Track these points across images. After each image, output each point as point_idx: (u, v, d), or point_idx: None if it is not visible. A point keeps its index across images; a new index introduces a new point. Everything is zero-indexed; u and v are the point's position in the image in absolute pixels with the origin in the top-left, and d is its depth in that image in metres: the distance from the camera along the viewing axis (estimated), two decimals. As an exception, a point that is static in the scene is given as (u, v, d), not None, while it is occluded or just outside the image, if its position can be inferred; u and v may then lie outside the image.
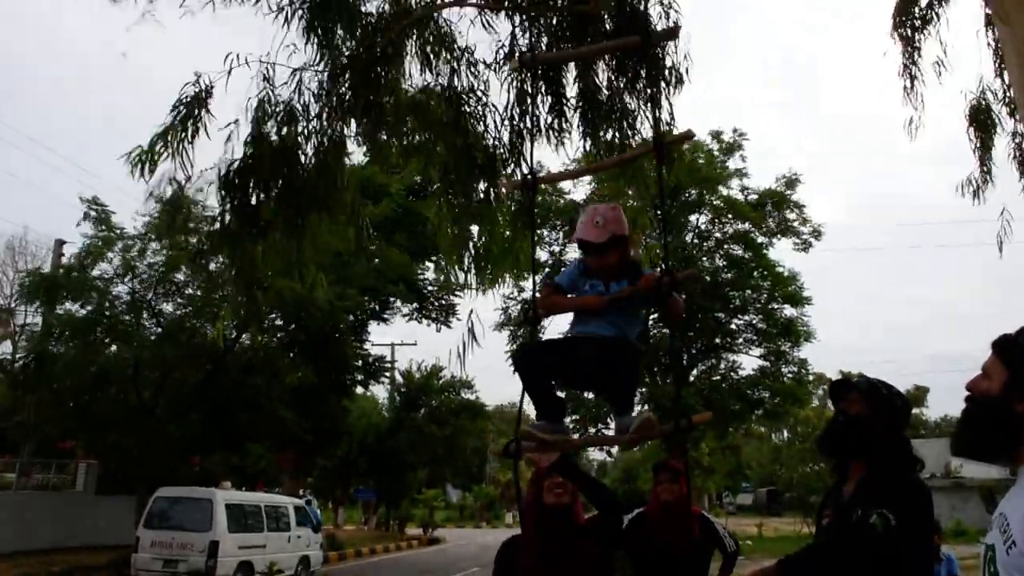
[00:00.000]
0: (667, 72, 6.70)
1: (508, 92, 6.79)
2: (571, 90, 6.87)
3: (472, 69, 6.92)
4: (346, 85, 6.47)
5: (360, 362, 25.84)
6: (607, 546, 3.12)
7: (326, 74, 6.51)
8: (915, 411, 54.95)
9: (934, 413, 62.58)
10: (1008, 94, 7.42)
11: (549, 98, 6.80)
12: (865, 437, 2.82)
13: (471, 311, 6.16)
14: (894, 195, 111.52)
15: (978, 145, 7.98)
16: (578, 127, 6.88)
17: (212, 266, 17.20)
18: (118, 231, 18.51)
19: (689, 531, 4.83)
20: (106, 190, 34.83)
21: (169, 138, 6.07)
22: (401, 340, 33.31)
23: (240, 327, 20.91)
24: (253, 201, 6.22)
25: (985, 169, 8.00)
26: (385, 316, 26.65)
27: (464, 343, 5.83)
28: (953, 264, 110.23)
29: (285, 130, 6.31)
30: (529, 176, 3.20)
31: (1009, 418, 1.95)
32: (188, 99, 6.18)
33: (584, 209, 3.41)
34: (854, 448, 2.86)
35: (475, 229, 7.85)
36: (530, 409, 3.11)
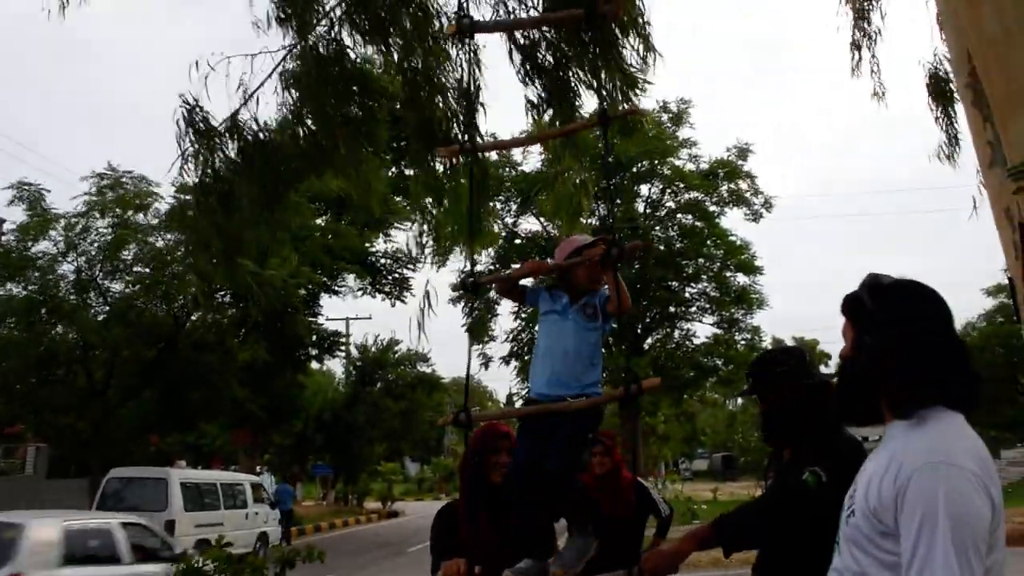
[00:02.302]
0: (632, 44, 6.64)
1: (459, 57, 6.71)
2: (519, 59, 6.75)
3: (426, 33, 6.78)
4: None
5: (314, 337, 25.61)
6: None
7: (288, 59, 6.61)
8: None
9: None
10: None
11: (497, 65, 6.75)
12: (805, 419, 2.86)
13: (427, 281, 6.19)
14: (857, 171, 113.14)
15: (940, 114, 8.02)
16: (528, 97, 6.76)
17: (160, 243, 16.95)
18: (52, 212, 18.05)
19: (624, 499, 4.97)
20: (44, 166, 33.91)
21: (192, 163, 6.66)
22: (356, 315, 33.15)
23: (192, 305, 20.57)
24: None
25: (951, 135, 8.06)
26: (336, 289, 26.39)
27: (422, 310, 5.76)
28: (921, 235, 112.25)
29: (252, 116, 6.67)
30: (467, 143, 3.16)
31: (863, 374, 1.87)
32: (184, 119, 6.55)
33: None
34: (797, 432, 2.91)
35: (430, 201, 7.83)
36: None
